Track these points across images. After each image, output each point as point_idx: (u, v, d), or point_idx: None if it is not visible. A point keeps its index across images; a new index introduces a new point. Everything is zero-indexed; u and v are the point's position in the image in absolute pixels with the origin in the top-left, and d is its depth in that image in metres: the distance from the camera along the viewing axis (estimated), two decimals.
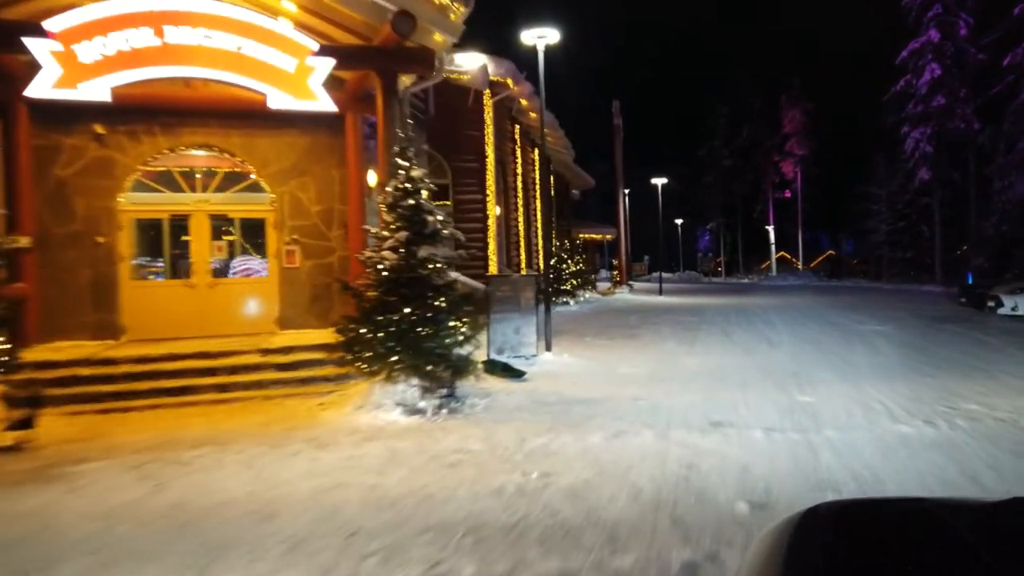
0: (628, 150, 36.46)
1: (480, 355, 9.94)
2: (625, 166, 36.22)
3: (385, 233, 7.55)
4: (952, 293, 29.17)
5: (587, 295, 27.70)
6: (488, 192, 19.02)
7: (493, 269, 19.00)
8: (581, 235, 35.56)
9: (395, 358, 7.18)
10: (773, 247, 60.65)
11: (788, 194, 60.44)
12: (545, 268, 15.64)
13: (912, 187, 36.13)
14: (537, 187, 27.31)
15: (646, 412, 7.01)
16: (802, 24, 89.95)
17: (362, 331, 7.27)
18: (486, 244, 19.01)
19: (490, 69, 18.32)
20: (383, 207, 7.67)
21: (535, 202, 27.10)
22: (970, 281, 36.15)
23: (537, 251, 27.15)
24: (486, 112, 19.07)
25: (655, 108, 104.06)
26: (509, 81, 19.30)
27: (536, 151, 27.31)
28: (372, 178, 11.75)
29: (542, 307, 11.76)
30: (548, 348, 11.16)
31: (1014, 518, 1.05)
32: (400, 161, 7.65)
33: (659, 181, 30.37)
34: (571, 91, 68.46)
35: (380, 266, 7.43)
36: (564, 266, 25.42)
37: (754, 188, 63.32)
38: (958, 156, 33.88)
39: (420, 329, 7.25)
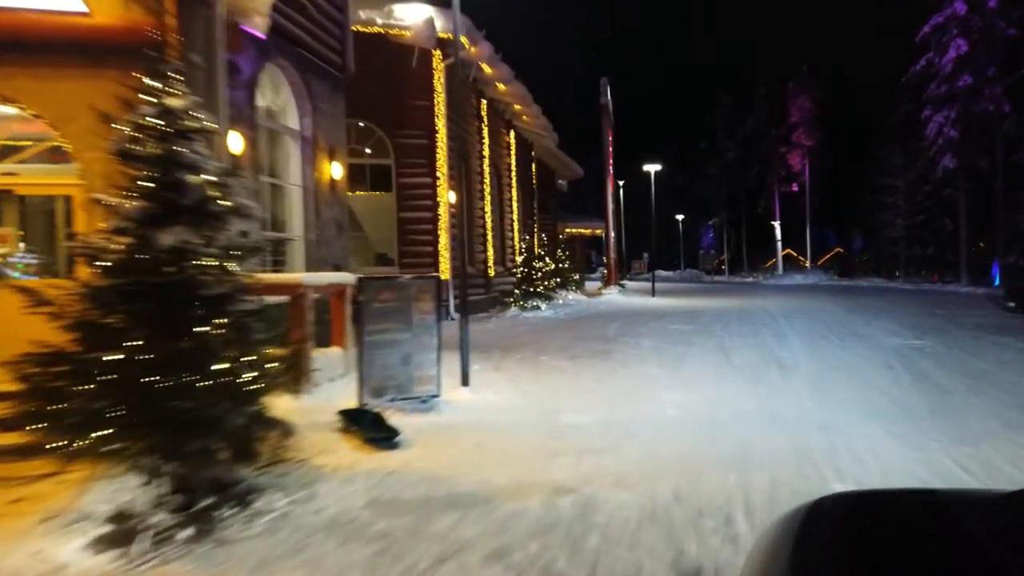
0: (626, 142, 33.38)
1: (345, 399, 6.73)
2: (622, 158, 33.08)
3: (117, 203, 4.32)
4: (983, 294, 25.88)
5: (571, 296, 24.47)
6: (439, 175, 15.80)
7: (445, 268, 15.80)
8: (568, 230, 32.32)
9: (110, 429, 3.95)
10: (779, 244, 57.32)
11: (795, 188, 57.11)
12: (526, 265, 12.45)
13: (933, 177, 32.80)
14: (513, 174, 24.09)
15: (565, 539, 3.79)
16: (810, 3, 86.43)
17: (61, 378, 4.04)
18: (436, 237, 15.80)
19: (437, 24, 15.10)
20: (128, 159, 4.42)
21: (510, 191, 23.89)
22: (997, 281, 32.82)
23: (514, 247, 23.96)
24: (436, 78, 15.84)
25: (655, 98, 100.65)
26: (464, 40, 16.04)
27: (512, 133, 24.09)
28: (237, 142, 8.53)
29: (458, 322, 8.53)
30: (464, 382, 7.93)
31: (1020, 509, 1.02)
32: (150, 83, 4.40)
33: (652, 168, 27.07)
34: (564, 80, 65.27)
35: (101, 261, 4.21)
36: (540, 264, 22.22)
37: (759, 181, 60.00)
38: (986, 142, 30.53)
39: (161, 375, 4.02)
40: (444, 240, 15.73)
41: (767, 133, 57.24)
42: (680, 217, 68.26)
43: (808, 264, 59.34)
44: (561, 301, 21.68)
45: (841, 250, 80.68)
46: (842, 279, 43.64)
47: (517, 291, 17.98)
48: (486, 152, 19.94)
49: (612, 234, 27.70)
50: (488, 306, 18.36)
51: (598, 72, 31.22)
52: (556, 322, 16.33)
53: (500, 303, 19.04)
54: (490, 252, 19.91)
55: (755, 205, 60.52)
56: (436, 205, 15.66)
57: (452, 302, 15.77)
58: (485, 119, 19.96)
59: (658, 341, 12.60)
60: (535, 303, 17.86)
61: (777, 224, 56.69)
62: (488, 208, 19.98)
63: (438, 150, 15.68)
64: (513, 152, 24.08)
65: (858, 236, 40.44)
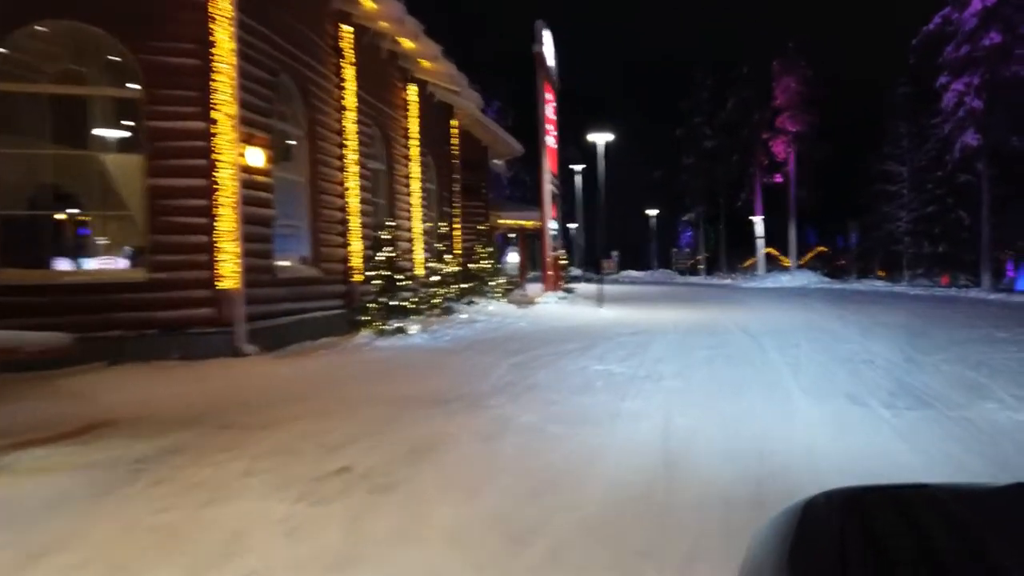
0: (593, 129, 27.38)
1: None
2: (591, 146, 26.89)
3: None
4: (1018, 303, 20.24)
5: (491, 307, 18.40)
6: (218, 115, 9.57)
7: (230, 269, 9.59)
8: (506, 221, 26.18)
9: None
10: (761, 241, 51.58)
11: (779, 179, 51.38)
12: (388, 268, 6.35)
13: (949, 159, 27.04)
14: (412, 143, 17.90)
15: None
16: None
17: None
18: (214, 219, 9.58)
19: None
20: None
21: (406, 164, 17.69)
22: (1020, 284, 27.21)
23: (411, 240, 17.79)
24: None
25: (630, 81, 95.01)
26: None
27: (412, 89, 17.90)
28: None
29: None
30: None
31: (1016, 503, 1.03)
32: None
33: (600, 137, 20.97)
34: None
35: None
36: (438, 265, 16.19)
37: (739, 172, 54.26)
38: (1017, 114, 24.88)
39: None
40: (229, 224, 9.51)
41: (749, 118, 51.48)
42: (653, 212, 62.59)
43: (790, 264, 53.76)
44: (465, 315, 15.55)
45: (824, 248, 75.49)
46: (833, 281, 37.87)
47: (373, 306, 11.76)
48: (348, 101, 13.71)
49: (552, 225, 21.54)
50: (338, 327, 12.16)
51: (564, 53, 25.16)
52: (408, 360, 10.15)
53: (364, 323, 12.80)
54: (355, 247, 13.70)
55: (735, 198, 54.78)
56: (214, 166, 9.46)
57: (243, 328, 9.58)
58: (349, 55, 13.74)
59: (549, 416, 6.50)
60: (399, 324, 11.62)
61: (759, 219, 50.91)
62: (353, 184, 13.76)
63: (218, 75, 9.46)
64: (414, 114, 17.89)
65: (852, 231, 34.64)
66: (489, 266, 19.20)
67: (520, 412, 6.56)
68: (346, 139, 13.68)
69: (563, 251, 26.55)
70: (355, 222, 13.79)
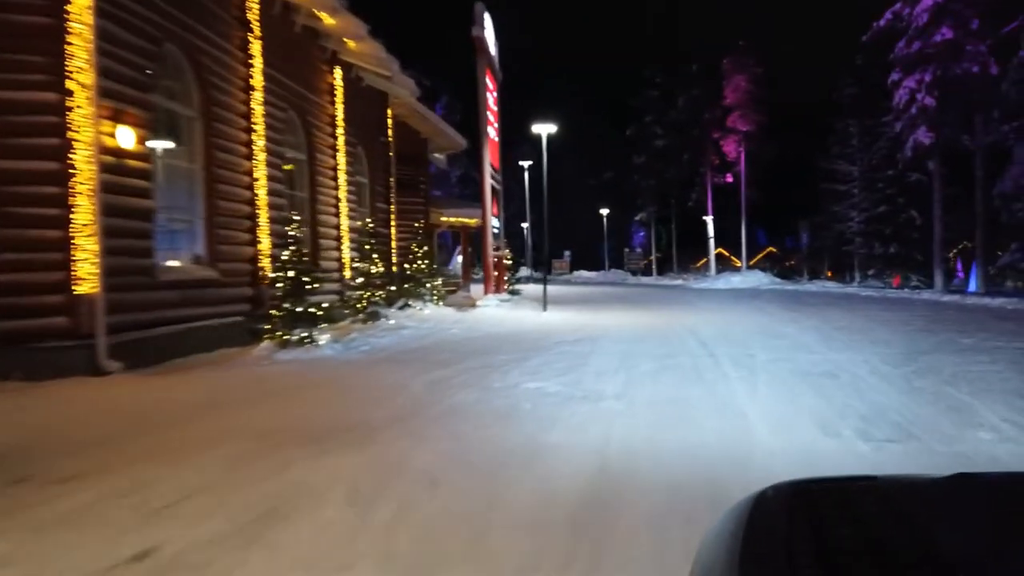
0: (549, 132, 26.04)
1: None
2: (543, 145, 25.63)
3: None
4: (991, 307, 19.62)
5: (426, 311, 17.00)
6: (74, 85, 7.97)
7: (88, 267, 8.00)
8: (447, 219, 24.77)
9: None
10: (712, 241, 51.16)
11: (730, 178, 51.10)
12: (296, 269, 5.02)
13: (901, 158, 26.57)
14: (338, 131, 16.38)
15: None
16: None
17: None
18: (69, 209, 7.97)
19: None
20: None
21: (333, 155, 16.16)
22: (972, 286, 26.88)
23: (339, 237, 16.31)
24: None
25: (580, 80, 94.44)
26: None
27: (338, 72, 16.38)
28: None
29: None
30: None
31: (958, 493, 1.06)
32: None
33: (543, 129, 19.73)
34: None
35: None
36: (364, 265, 14.80)
37: (690, 172, 53.84)
38: (965, 112, 24.47)
39: None
40: (87, 215, 7.91)
41: (700, 117, 51.03)
42: (605, 212, 61.86)
43: (741, 264, 53.56)
44: (393, 321, 14.10)
45: (774, 249, 75.88)
46: (784, 281, 37.40)
47: (275, 313, 10.23)
48: (256, 80, 12.14)
49: (495, 223, 20.19)
50: (239, 337, 10.59)
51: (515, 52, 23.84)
52: (305, 377, 8.64)
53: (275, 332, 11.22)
54: (265, 245, 12.14)
55: (686, 198, 54.34)
56: (69, 147, 7.86)
57: (102, 341, 8.00)
58: (256, 27, 12.17)
59: (451, 457, 5.13)
60: (305, 333, 10.11)
61: (710, 219, 50.47)
62: (261, 173, 12.19)
63: (73, 37, 7.88)
64: (340, 99, 16.36)
65: (803, 232, 34.13)
66: (425, 267, 17.75)
67: (415, 452, 5.18)
68: (253, 122, 12.12)
69: (508, 250, 25.25)
70: (264, 217, 12.23)
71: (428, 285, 17.70)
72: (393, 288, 18.10)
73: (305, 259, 10.94)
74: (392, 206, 20.49)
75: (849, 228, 32.14)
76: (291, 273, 10.12)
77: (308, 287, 10.36)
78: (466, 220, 26.02)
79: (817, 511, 1.04)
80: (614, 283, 47.68)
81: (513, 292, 24.62)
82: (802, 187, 44.58)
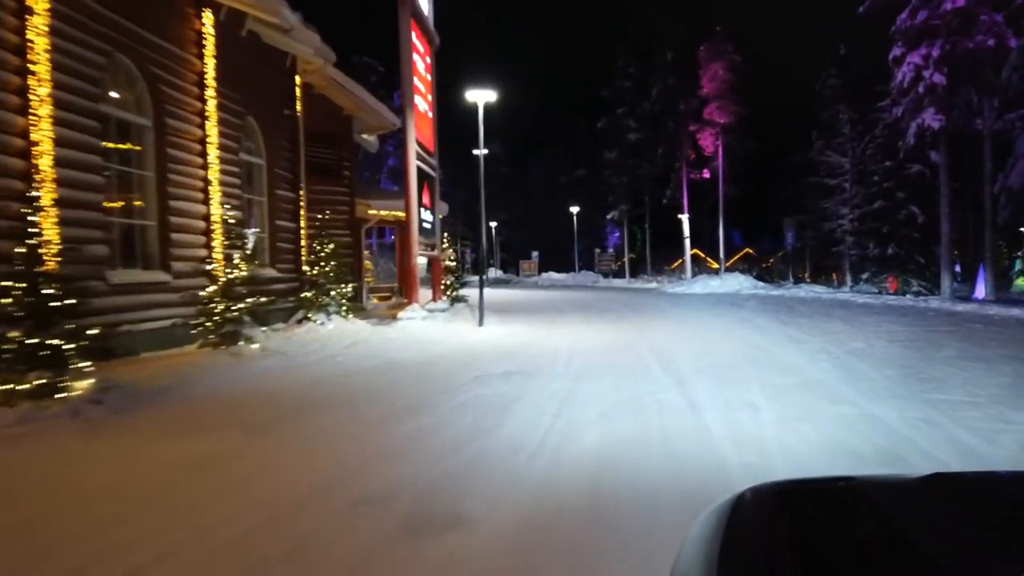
0: (516, 129, 22.30)
1: None
2: (510, 138, 21.82)
3: None
4: (1007, 317, 16.33)
5: (330, 324, 13.31)
6: None
7: None
8: (379, 212, 21.01)
9: None
10: (687, 241, 47.87)
11: (707, 174, 47.89)
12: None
13: (903, 146, 23.29)
14: (211, 99, 12.58)
15: None
16: None
17: None
18: None
19: None
20: None
21: (200, 125, 12.36)
22: (977, 292, 23.76)
23: (208, 231, 12.52)
24: None
25: (550, 73, 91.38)
26: None
27: (206, 15, 12.57)
28: None
29: None
30: None
31: (936, 493, 1.07)
32: None
33: (480, 96, 16.03)
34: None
35: None
36: (230, 272, 11.10)
37: (665, 167, 50.56)
38: (984, 92, 21.27)
39: None
40: None
41: (674, 108, 47.76)
42: (575, 210, 58.43)
43: (720, 266, 50.42)
44: (257, 346, 10.33)
45: (751, 250, 73.02)
46: (767, 286, 34.08)
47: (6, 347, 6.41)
48: (38, 3, 8.33)
49: (424, 216, 16.43)
50: None
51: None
52: None
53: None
54: (49, 234, 8.33)
55: (660, 195, 51.05)
56: None
57: None
58: None
59: None
60: (58, 380, 6.32)
61: (685, 218, 47.19)
62: (44, 134, 8.38)
63: None
64: (211, 52, 12.55)
65: (788, 230, 30.89)
66: (330, 269, 14.02)
67: None
68: (31, 60, 8.31)
69: (449, 250, 21.56)
70: (48, 197, 8.42)
71: (334, 293, 13.96)
72: (293, 298, 14.39)
73: (48, 259, 7.11)
74: (301, 194, 16.71)
75: (840, 227, 28.97)
76: (26, 283, 6.34)
77: (69, 303, 6.58)
78: (403, 214, 22.19)
79: (796, 511, 1.04)
80: (582, 286, 44.19)
81: (456, 299, 20.96)
82: (784, 183, 41.52)
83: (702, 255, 63.16)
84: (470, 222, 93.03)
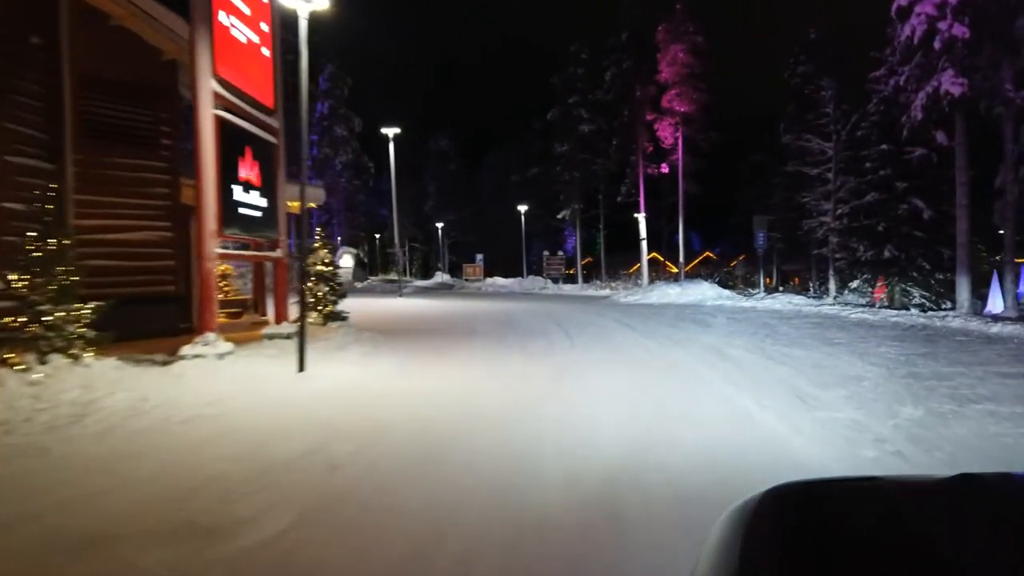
0: (467, 120, 17.53)
1: None
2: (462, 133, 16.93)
3: None
4: None
5: (32, 373, 7.77)
6: None
7: None
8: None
9: None
10: (644, 244, 43.05)
11: (665, 169, 43.21)
12: None
13: (907, 122, 18.55)
14: None
15: None
16: None
17: None
18: None
19: None
20: None
21: None
22: (995, 304, 19.23)
23: None
24: None
25: (500, 61, 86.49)
26: None
27: None
28: None
29: None
30: None
31: (961, 495, 1.06)
32: None
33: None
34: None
35: None
36: None
37: (621, 161, 45.73)
38: (1012, 50, 16.63)
39: None
40: None
41: (630, 95, 42.97)
42: (523, 208, 53.35)
43: (679, 271, 45.80)
44: None
45: (711, 254, 68.84)
46: (735, 294, 29.25)
47: None
48: None
49: (232, 195, 10.87)
50: None
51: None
52: None
53: None
54: None
55: (616, 193, 46.20)
56: None
57: None
58: None
59: None
60: None
61: (642, 217, 42.39)
62: None
63: None
64: None
65: (760, 231, 26.22)
66: (55, 285, 8.52)
67: None
68: None
69: (324, 250, 16.08)
70: None
71: (56, 317, 8.46)
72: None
73: None
74: (69, 166, 11.17)
75: (822, 225, 24.35)
76: None
77: None
78: (292, 204, 16.59)
79: (820, 512, 1.03)
80: (526, 294, 39.04)
81: (333, 317, 15.58)
82: (751, 178, 37.04)
83: (661, 259, 58.67)
84: (419, 222, 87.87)
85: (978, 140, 18.81)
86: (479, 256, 55.31)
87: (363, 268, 46.41)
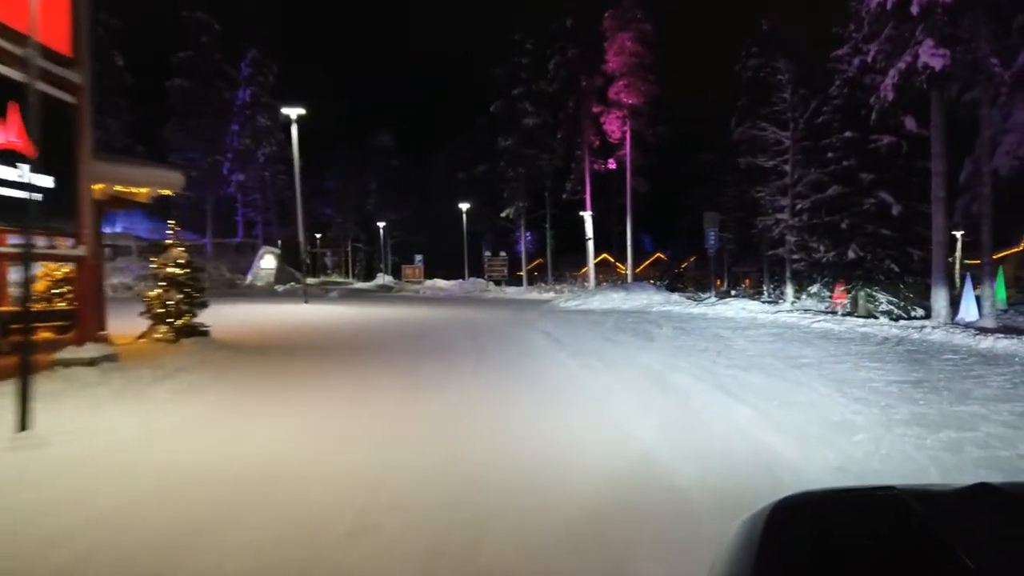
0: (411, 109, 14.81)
1: None
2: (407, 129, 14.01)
3: None
4: None
5: None
6: None
7: None
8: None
9: None
10: (590, 243, 40.58)
11: (613, 164, 40.85)
12: None
13: (876, 103, 16.23)
14: None
15: None
16: None
17: None
18: None
19: None
20: None
21: None
22: (970, 308, 17.09)
23: None
24: None
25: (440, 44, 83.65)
26: None
27: None
28: None
29: None
30: None
31: (978, 504, 1.04)
32: None
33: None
34: None
35: None
36: None
37: (567, 156, 43.20)
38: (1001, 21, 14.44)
39: None
40: None
41: (575, 86, 40.48)
42: (465, 207, 50.51)
43: (627, 272, 43.56)
44: None
45: (662, 255, 66.97)
46: (685, 299, 26.82)
47: None
48: None
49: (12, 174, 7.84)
50: None
51: None
52: None
53: None
54: None
55: (561, 189, 43.66)
56: None
57: None
58: None
59: None
60: None
61: (588, 215, 39.93)
62: None
63: None
64: None
65: (711, 230, 23.83)
66: None
67: None
68: None
69: (174, 249, 12.90)
70: None
71: None
72: None
73: None
74: None
75: (778, 223, 22.05)
76: None
77: None
78: (135, 189, 13.31)
79: (834, 521, 1.01)
80: (464, 298, 36.19)
81: (188, 332, 12.48)
82: (702, 175, 34.90)
83: (612, 260, 56.48)
84: (362, 222, 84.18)
85: (931, 136, 16.63)
86: (418, 257, 52.28)
87: (290, 270, 42.93)
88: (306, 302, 21.93)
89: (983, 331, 13.92)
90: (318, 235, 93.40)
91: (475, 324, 18.04)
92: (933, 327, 14.34)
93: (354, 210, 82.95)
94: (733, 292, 33.95)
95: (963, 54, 14.13)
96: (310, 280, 65.40)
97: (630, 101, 38.27)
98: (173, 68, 45.38)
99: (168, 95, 44.91)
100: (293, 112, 21.39)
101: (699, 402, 7.51)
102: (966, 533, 0.92)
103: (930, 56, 13.95)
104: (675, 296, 24.78)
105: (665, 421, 6.60)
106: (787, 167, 21.75)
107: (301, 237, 20.27)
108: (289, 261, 41.55)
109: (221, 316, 15.55)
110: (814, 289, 20.21)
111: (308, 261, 20.72)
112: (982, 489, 1.05)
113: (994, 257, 16.72)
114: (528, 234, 65.59)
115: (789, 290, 22.49)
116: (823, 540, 0.96)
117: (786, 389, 8.24)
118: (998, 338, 12.31)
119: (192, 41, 45.21)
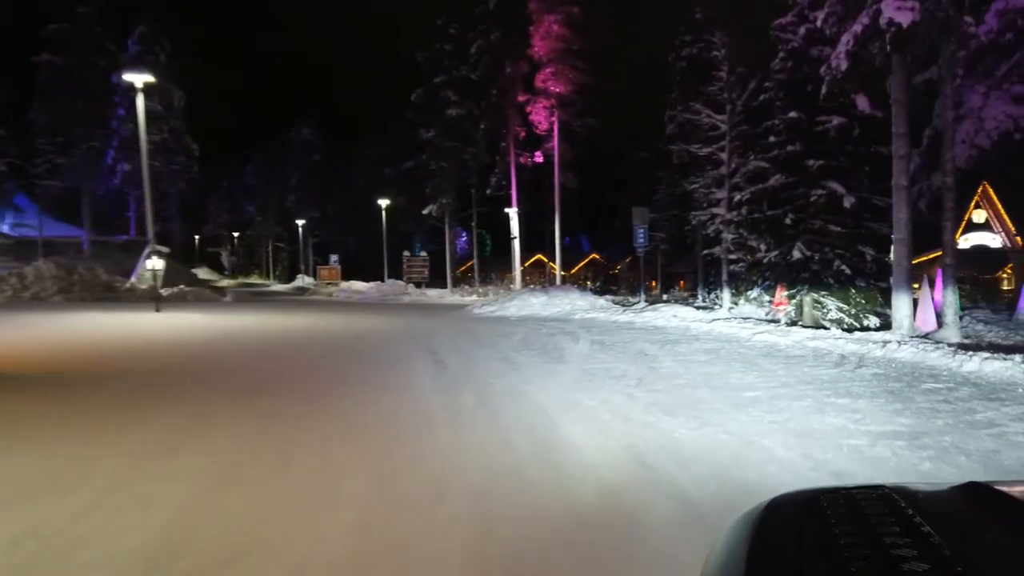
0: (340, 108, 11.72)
1: None
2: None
3: None
4: None
5: None
6: None
7: None
8: None
9: None
10: (516, 243, 37.71)
11: (540, 157, 38.07)
12: None
13: (827, 74, 13.70)
14: None
15: None
16: None
17: None
18: None
19: None
20: None
21: None
22: (932, 319, 14.67)
23: None
24: None
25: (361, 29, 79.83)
26: None
27: None
28: None
29: None
30: None
31: (970, 503, 1.04)
32: None
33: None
34: None
35: None
36: None
37: (492, 148, 40.25)
38: None
39: None
40: None
41: (499, 72, 37.57)
42: (385, 203, 47.05)
43: (557, 274, 40.93)
44: None
45: (597, 256, 64.71)
46: (611, 304, 24.11)
47: None
48: None
49: None
50: None
51: None
52: None
53: None
54: None
55: (486, 184, 40.68)
56: None
57: None
58: None
59: None
60: None
61: (514, 212, 37.06)
62: None
63: None
64: None
65: (640, 228, 21.25)
66: None
67: None
68: None
69: None
70: None
71: None
72: None
73: None
74: None
75: (714, 218, 19.58)
76: None
77: None
78: None
79: (827, 519, 1.00)
80: (377, 303, 32.81)
81: None
82: (637, 171, 32.42)
83: (546, 261, 53.86)
84: (284, 220, 79.41)
85: (885, 118, 14.32)
86: (333, 257, 48.55)
87: (188, 271, 38.78)
88: (157, 310, 18.29)
89: (958, 347, 11.49)
90: (235, 234, 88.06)
91: (362, 339, 14.84)
92: (898, 341, 11.85)
93: (275, 208, 78.26)
94: (665, 296, 31.68)
95: (932, 10, 11.69)
96: (225, 282, 60.74)
97: (557, 89, 35.56)
98: (42, 41, 40.62)
99: (36, 71, 40.16)
100: (138, 79, 17.77)
101: (592, 488, 4.55)
102: (956, 532, 0.91)
103: (895, 10, 11.47)
104: (601, 301, 22.10)
105: (518, 551, 3.59)
106: (723, 155, 19.32)
107: (150, 232, 16.68)
108: (184, 261, 37.46)
109: (29, 331, 11.96)
110: (754, 294, 17.83)
111: (153, 261, 17.28)
112: (973, 488, 1.05)
113: (931, 257, 14.52)
114: (464, 234, 62.49)
115: (726, 295, 20.10)
116: (814, 538, 0.93)
117: (730, 455, 5.36)
118: (984, 358, 9.82)
119: (67, 11, 40.54)
